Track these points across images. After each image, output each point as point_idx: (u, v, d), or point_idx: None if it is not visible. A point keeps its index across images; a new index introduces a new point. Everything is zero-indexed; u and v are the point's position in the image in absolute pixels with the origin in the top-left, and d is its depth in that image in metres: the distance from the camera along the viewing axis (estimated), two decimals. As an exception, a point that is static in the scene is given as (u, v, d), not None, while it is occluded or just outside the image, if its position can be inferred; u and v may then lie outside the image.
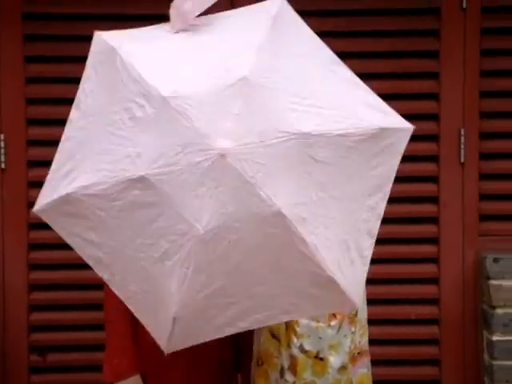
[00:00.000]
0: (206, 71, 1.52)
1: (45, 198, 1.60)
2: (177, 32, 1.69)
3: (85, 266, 1.75)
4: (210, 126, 1.39)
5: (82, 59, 1.71)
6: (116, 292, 1.66)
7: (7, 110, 2.67)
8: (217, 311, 1.59)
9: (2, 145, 2.64)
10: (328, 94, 1.55)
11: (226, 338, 1.98)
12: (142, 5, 2.57)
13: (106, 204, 1.50)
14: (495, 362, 2.63)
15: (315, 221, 1.47)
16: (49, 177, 1.66)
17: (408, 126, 1.64)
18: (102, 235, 1.56)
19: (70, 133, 1.61)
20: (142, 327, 1.82)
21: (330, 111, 1.50)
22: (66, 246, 1.83)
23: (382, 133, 1.54)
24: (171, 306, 1.51)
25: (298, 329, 2.07)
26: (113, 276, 1.64)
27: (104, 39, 1.61)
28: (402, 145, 1.64)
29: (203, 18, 1.72)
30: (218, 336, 1.65)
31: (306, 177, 1.45)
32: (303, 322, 2.07)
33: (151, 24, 1.78)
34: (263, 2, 1.74)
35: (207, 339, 1.68)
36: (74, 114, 1.60)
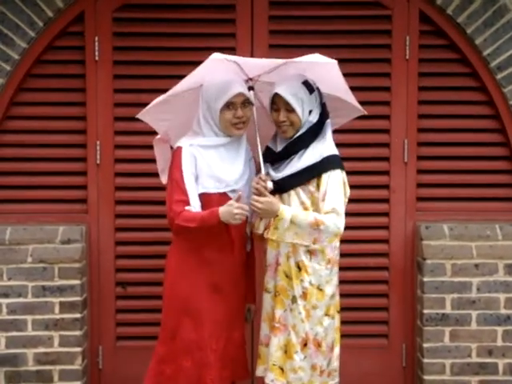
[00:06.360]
0: None
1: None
2: None
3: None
4: None
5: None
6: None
7: (102, 126, 3.25)
8: None
9: (98, 148, 3.23)
10: None
11: (243, 277, 2.62)
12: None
13: None
14: (425, 296, 3.20)
15: None
16: None
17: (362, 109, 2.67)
18: None
19: None
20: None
21: None
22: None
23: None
24: None
25: (309, 270, 2.54)
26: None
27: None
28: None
29: None
30: None
31: None
32: (310, 265, 2.54)
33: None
34: None
35: None
36: None
